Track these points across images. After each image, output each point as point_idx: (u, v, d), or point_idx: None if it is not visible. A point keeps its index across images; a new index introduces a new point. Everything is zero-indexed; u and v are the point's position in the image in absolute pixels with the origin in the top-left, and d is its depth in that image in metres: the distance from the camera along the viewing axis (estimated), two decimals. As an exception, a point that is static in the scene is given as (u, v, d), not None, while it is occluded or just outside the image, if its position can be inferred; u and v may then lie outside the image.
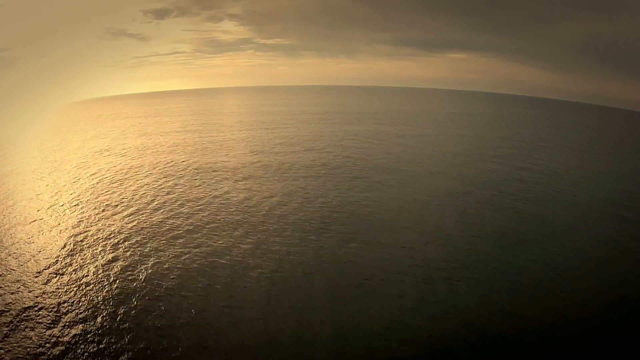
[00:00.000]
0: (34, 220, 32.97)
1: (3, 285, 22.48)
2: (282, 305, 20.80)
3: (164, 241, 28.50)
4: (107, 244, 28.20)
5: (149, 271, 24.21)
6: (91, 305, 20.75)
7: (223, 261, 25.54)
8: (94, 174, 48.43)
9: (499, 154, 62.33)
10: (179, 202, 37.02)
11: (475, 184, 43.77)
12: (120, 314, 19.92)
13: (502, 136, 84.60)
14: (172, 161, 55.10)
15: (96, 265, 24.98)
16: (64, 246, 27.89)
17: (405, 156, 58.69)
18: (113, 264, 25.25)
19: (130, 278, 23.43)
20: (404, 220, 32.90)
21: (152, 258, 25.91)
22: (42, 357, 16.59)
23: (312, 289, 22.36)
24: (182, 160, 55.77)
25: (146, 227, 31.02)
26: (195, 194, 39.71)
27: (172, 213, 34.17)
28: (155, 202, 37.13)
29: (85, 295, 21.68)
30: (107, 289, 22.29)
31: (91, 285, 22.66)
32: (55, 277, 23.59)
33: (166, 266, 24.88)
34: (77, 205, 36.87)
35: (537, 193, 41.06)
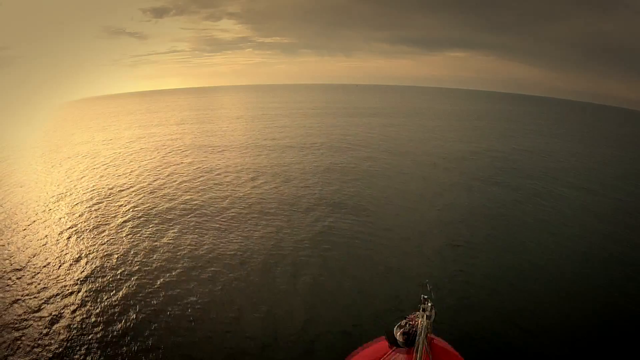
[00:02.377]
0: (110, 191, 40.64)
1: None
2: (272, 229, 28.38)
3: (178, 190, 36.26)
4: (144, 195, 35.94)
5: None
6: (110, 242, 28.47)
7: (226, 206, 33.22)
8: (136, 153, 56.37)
9: (469, 139, 70.01)
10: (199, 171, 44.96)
11: (431, 158, 51.87)
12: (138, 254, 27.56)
13: (477, 126, 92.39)
14: (190, 144, 63.07)
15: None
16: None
17: (384, 138, 66.52)
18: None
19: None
20: (373, 177, 40.71)
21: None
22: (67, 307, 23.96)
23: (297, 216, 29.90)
24: (196, 142, 63.88)
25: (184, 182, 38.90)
26: (207, 165, 47.69)
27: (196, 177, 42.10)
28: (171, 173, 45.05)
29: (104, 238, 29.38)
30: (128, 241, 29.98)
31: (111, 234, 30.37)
32: (80, 231, 31.32)
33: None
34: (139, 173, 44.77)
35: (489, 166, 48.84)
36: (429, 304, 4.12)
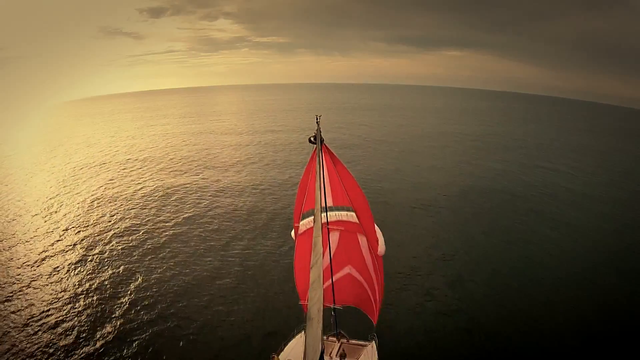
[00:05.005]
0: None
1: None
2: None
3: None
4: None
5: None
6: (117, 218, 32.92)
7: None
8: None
9: (452, 130, 75.15)
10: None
11: (413, 145, 56.48)
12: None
13: (461, 121, 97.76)
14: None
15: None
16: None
17: (369, 128, 71.48)
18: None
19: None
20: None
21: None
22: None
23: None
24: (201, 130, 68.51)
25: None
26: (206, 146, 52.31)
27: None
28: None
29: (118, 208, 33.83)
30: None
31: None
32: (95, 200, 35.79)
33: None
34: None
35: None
36: (319, 120, 8.51)
